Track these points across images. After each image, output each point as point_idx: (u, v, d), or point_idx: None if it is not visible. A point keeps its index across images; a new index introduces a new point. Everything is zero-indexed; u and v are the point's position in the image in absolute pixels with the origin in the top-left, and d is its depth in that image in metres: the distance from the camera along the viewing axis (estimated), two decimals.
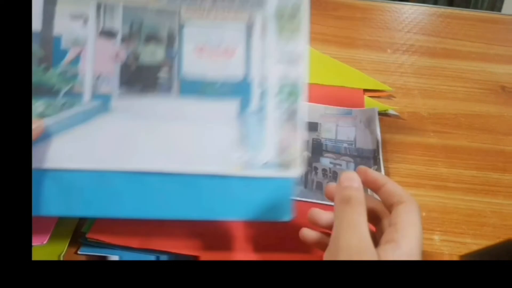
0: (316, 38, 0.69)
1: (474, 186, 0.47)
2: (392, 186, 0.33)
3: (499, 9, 1.34)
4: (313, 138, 0.50)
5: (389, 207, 0.32)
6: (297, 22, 0.32)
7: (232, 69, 0.32)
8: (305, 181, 0.45)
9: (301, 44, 0.32)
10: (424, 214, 0.43)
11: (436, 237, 0.41)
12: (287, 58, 0.32)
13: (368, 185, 0.35)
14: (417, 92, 0.60)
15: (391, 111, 0.55)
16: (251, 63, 0.32)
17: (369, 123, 0.52)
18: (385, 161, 0.48)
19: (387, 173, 0.47)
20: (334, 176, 0.46)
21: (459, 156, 0.50)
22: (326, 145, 0.50)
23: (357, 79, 0.60)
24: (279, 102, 0.32)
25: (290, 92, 0.32)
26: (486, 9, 1.37)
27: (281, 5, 0.32)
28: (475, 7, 1.38)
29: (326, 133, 0.51)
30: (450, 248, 0.40)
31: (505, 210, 0.44)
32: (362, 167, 0.35)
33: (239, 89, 0.32)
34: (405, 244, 0.29)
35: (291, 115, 0.32)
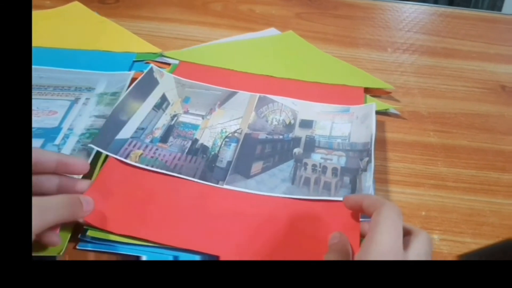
0: (316, 37, 0.69)
1: (474, 185, 0.47)
2: (368, 199, 0.35)
3: (500, 9, 1.34)
4: (306, 135, 0.50)
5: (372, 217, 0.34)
6: (115, 99, 0.51)
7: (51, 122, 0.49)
8: (293, 177, 0.45)
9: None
10: (423, 213, 0.43)
11: (435, 236, 0.41)
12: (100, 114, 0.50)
13: (353, 208, 0.38)
14: (417, 91, 0.60)
15: (391, 110, 0.55)
16: (65, 119, 0.49)
17: (365, 118, 0.51)
18: (385, 159, 0.48)
19: (387, 172, 0.47)
20: (324, 171, 0.45)
21: (459, 155, 0.50)
22: (319, 141, 0.49)
23: (359, 77, 0.60)
24: (81, 139, 0.47)
25: (91, 133, 0.47)
26: (487, 8, 1.37)
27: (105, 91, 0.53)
28: (476, 6, 1.38)
29: (321, 130, 0.51)
30: (450, 247, 0.40)
31: (504, 209, 0.44)
32: (346, 196, 0.39)
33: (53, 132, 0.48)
34: (379, 239, 0.30)
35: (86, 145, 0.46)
